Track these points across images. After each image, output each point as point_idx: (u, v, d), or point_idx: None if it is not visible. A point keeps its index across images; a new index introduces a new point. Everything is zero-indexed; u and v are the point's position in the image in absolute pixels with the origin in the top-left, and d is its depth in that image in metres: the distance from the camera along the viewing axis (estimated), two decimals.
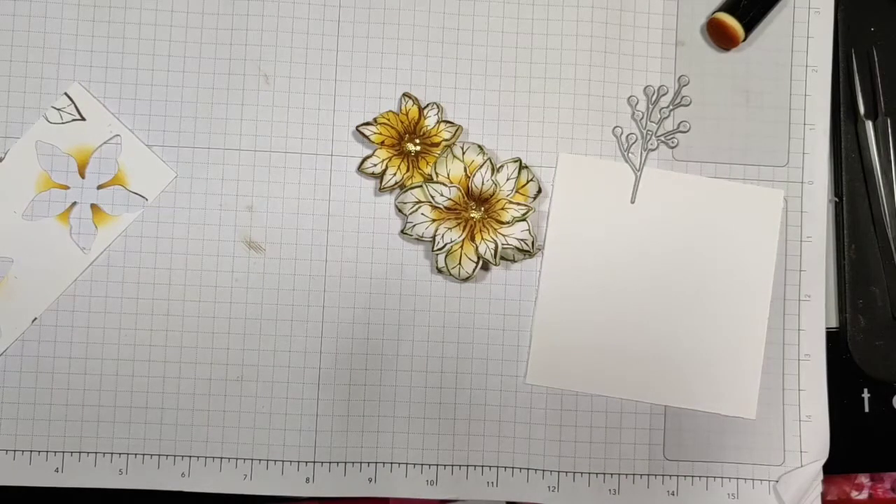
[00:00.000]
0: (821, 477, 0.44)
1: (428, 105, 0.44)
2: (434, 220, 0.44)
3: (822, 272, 0.45)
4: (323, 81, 0.45)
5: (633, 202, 0.45)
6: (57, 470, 0.43)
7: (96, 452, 0.43)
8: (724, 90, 0.45)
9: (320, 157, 0.45)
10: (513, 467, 0.44)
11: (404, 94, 0.44)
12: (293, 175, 0.45)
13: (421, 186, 0.44)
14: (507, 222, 0.43)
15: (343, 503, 0.44)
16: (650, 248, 0.44)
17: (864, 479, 0.46)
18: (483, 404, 0.44)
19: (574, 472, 0.44)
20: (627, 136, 0.45)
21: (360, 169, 0.44)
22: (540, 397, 0.44)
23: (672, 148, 0.45)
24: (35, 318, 0.44)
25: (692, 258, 0.44)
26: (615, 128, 0.45)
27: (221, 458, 0.44)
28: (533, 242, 0.44)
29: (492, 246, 0.43)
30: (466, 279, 0.44)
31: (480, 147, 0.44)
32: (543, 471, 0.44)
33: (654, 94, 0.45)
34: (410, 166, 0.44)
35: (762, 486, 0.44)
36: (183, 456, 0.44)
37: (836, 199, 0.46)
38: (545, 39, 0.45)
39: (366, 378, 0.44)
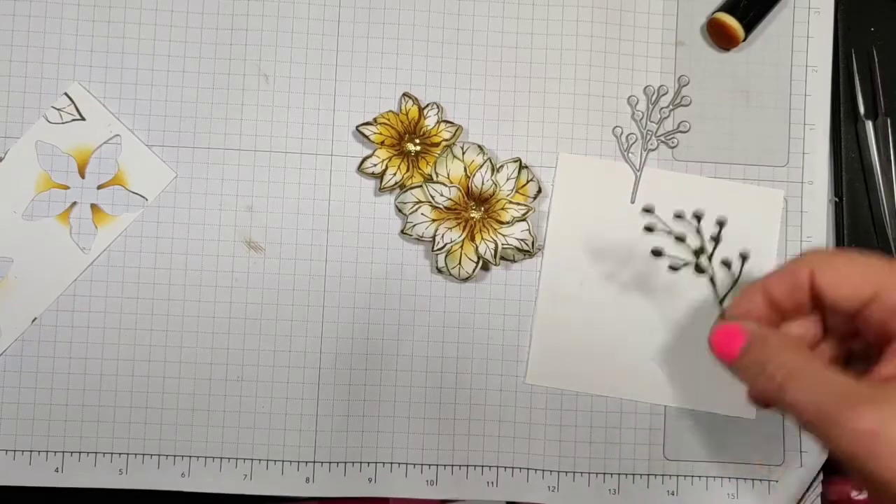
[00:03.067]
0: (821, 477, 0.44)
1: (428, 105, 0.44)
2: (434, 220, 0.44)
3: None
4: (323, 81, 0.45)
5: (633, 202, 0.45)
6: (57, 470, 0.43)
7: (96, 452, 0.43)
8: (724, 90, 0.45)
9: (320, 157, 0.45)
10: (513, 467, 0.44)
11: (404, 94, 0.44)
12: (293, 175, 0.45)
13: (421, 186, 0.44)
14: (507, 222, 0.43)
15: (343, 503, 0.44)
16: (650, 247, 0.44)
17: None
18: (483, 404, 0.44)
19: (574, 472, 0.44)
20: (627, 136, 0.45)
21: (360, 169, 0.44)
22: (540, 397, 0.44)
23: (672, 148, 0.45)
24: (35, 318, 0.44)
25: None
26: (615, 128, 0.45)
27: (221, 458, 0.44)
28: (533, 242, 0.44)
29: (492, 246, 0.43)
30: (466, 279, 0.44)
31: (480, 147, 0.44)
32: (543, 471, 0.44)
33: (654, 94, 0.45)
34: (410, 166, 0.44)
35: (762, 486, 0.44)
36: (183, 456, 0.44)
37: (836, 199, 0.46)
38: (545, 39, 0.45)
39: (366, 378, 0.44)
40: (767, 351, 0.34)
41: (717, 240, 0.40)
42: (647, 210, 0.40)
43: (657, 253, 0.41)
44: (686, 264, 0.41)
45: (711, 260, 0.40)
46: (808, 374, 0.32)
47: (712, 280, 0.40)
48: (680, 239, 0.40)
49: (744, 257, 0.40)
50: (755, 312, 0.37)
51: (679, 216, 0.40)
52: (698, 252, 0.40)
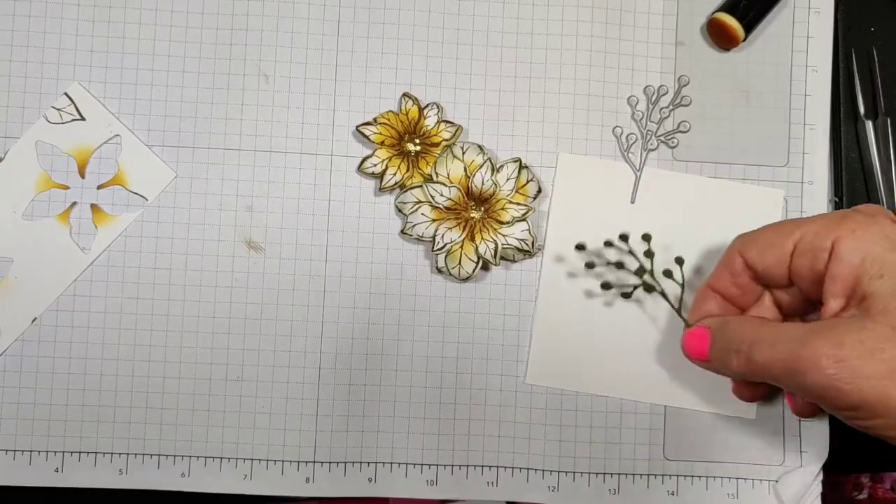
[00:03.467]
0: (821, 477, 0.44)
1: (428, 105, 0.44)
2: (434, 220, 0.44)
3: None
4: (323, 81, 0.45)
5: (633, 202, 0.45)
6: (57, 470, 0.43)
7: (96, 452, 0.43)
8: (724, 90, 0.45)
9: (320, 157, 0.45)
10: (513, 467, 0.44)
11: (404, 94, 0.44)
12: (293, 175, 0.45)
13: (421, 186, 0.44)
14: (507, 222, 0.43)
15: (343, 503, 0.44)
16: (650, 248, 0.44)
17: (864, 479, 0.46)
18: (483, 404, 0.44)
19: (574, 472, 0.44)
20: (627, 136, 0.45)
21: (360, 169, 0.44)
22: (540, 397, 0.44)
23: (672, 148, 0.45)
24: (35, 318, 0.44)
25: (692, 258, 0.44)
26: (615, 128, 0.45)
27: (221, 458, 0.44)
28: (533, 242, 0.44)
29: (492, 246, 0.43)
30: (466, 279, 0.44)
31: (480, 147, 0.44)
32: (543, 471, 0.44)
33: (654, 94, 0.45)
34: (410, 166, 0.44)
35: (762, 486, 0.44)
36: (183, 456, 0.44)
37: (836, 199, 0.46)
38: (545, 39, 0.45)
39: (366, 378, 0.44)
40: (729, 333, 0.37)
41: (650, 254, 0.41)
42: (579, 248, 0.42)
43: (606, 286, 0.42)
44: (636, 287, 0.42)
45: (654, 275, 0.41)
46: (766, 334, 0.35)
47: (664, 294, 0.41)
48: (619, 266, 0.42)
49: (680, 262, 0.41)
50: (713, 312, 0.39)
51: (609, 244, 0.41)
52: (640, 272, 0.41)
